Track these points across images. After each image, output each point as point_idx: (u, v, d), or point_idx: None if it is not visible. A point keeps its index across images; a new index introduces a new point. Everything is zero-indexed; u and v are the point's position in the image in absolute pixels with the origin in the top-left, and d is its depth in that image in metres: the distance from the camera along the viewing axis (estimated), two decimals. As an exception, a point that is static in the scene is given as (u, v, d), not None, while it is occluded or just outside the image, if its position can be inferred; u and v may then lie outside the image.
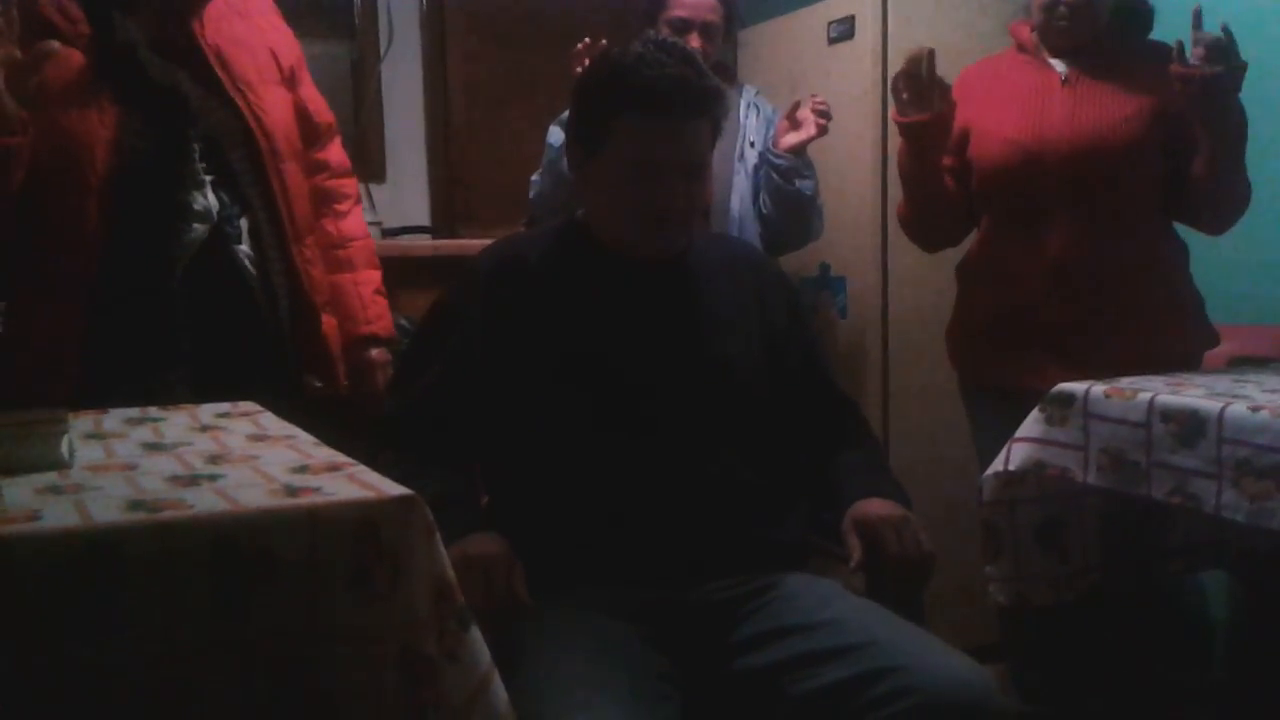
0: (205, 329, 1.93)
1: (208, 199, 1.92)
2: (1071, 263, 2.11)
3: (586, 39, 2.35)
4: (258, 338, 1.99)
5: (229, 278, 1.96)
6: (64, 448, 1.18)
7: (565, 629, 1.44)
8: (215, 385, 1.75)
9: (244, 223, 1.97)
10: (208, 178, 1.93)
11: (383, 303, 2.25)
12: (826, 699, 1.38)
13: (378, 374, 2.21)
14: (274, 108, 2.02)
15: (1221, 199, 2.10)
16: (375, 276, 2.26)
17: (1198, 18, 1.90)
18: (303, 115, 2.14)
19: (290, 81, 2.11)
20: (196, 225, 1.91)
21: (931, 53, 2.07)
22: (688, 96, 1.58)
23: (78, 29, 1.85)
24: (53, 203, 1.84)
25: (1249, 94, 1.95)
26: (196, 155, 1.92)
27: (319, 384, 2.09)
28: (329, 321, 2.12)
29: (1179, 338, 2.16)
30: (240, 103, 1.95)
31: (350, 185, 2.28)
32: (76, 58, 1.83)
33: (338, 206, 2.23)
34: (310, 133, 2.16)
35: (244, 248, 1.97)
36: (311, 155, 2.17)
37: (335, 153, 2.25)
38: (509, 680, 1.11)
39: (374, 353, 2.21)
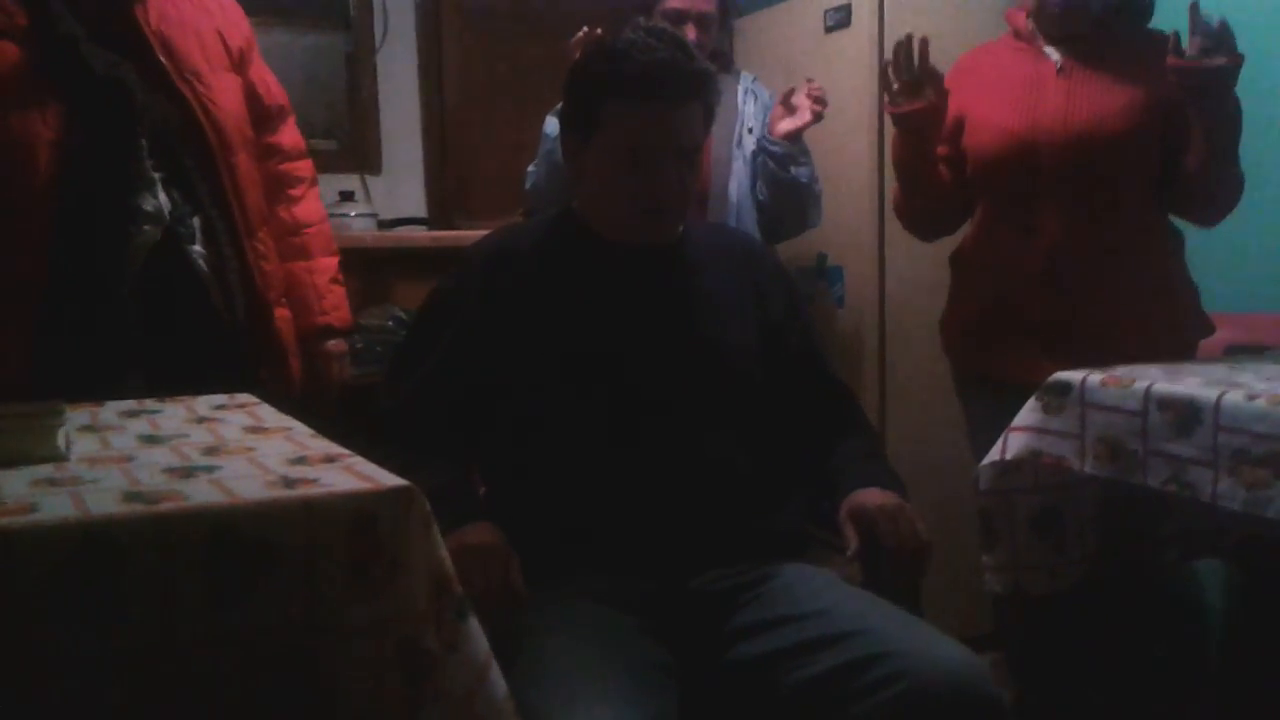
0: (160, 332, 1.87)
1: (158, 199, 1.86)
2: (1065, 251, 2.11)
3: (584, 29, 2.34)
4: (215, 338, 1.94)
5: (184, 279, 1.90)
6: (60, 440, 1.17)
7: (563, 618, 1.44)
8: (173, 389, 1.65)
9: (197, 221, 1.92)
10: (157, 175, 1.87)
11: (340, 291, 2.19)
12: (819, 687, 1.39)
13: (334, 366, 2.17)
14: (223, 95, 1.95)
15: (1215, 191, 2.09)
16: (331, 264, 2.19)
17: (1195, 9, 1.89)
18: (253, 98, 2.07)
19: (240, 65, 2.04)
20: (148, 227, 1.85)
21: (925, 40, 2.07)
22: (678, 79, 1.58)
23: (14, 21, 1.77)
24: None
25: (1244, 86, 1.95)
26: (145, 153, 1.86)
27: (270, 379, 2.02)
28: (282, 315, 2.07)
29: (1174, 327, 2.16)
30: (188, 93, 1.89)
31: (304, 168, 2.20)
32: (13, 52, 1.75)
33: (291, 192, 2.16)
34: (261, 115, 2.09)
35: (197, 247, 1.92)
36: (263, 139, 2.10)
37: (288, 135, 2.18)
38: (507, 670, 1.11)
39: (330, 344, 2.17)
